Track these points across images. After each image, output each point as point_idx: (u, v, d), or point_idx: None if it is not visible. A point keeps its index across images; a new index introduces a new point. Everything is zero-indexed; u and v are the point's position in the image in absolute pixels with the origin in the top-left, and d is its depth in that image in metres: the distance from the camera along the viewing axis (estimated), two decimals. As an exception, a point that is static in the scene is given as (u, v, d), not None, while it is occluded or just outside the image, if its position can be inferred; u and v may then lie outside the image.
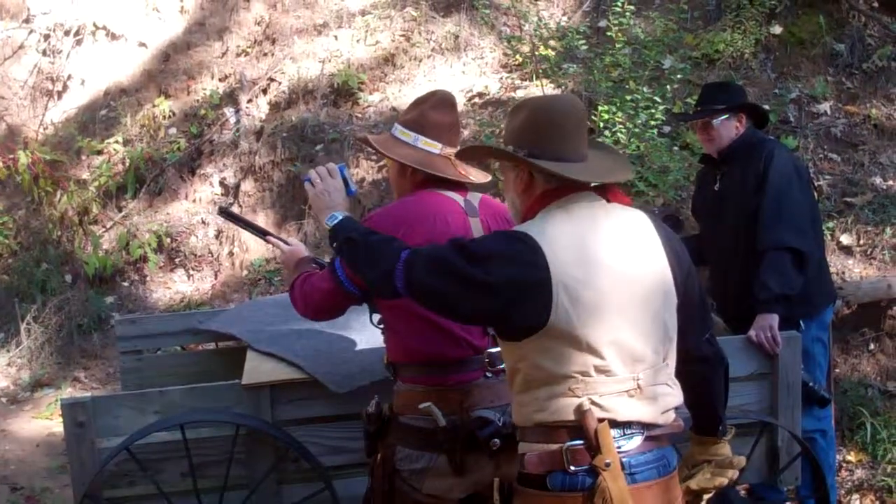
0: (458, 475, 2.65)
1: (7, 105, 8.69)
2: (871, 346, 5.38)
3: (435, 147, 2.79)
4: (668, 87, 6.39)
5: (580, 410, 2.19)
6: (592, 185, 2.35)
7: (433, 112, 2.82)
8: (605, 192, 2.36)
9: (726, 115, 4.01)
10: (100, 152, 8.08)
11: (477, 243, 2.30)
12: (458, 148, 2.77)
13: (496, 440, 2.60)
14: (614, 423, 2.20)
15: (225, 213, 3.35)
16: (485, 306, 2.23)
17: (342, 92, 7.67)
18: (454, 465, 2.64)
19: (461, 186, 2.83)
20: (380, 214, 2.81)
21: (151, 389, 3.36)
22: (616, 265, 2.23)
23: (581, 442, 2.19)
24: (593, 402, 2.19)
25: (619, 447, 2.20)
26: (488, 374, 2.70)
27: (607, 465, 2.16)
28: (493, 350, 2.68)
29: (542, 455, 2.23)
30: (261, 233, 3.33)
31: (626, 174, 2.57)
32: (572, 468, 2.19)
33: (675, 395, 2.32)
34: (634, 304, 2.23)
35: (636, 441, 2.24)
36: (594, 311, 2.17)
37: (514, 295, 2.18)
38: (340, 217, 2.64)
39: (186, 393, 3.28)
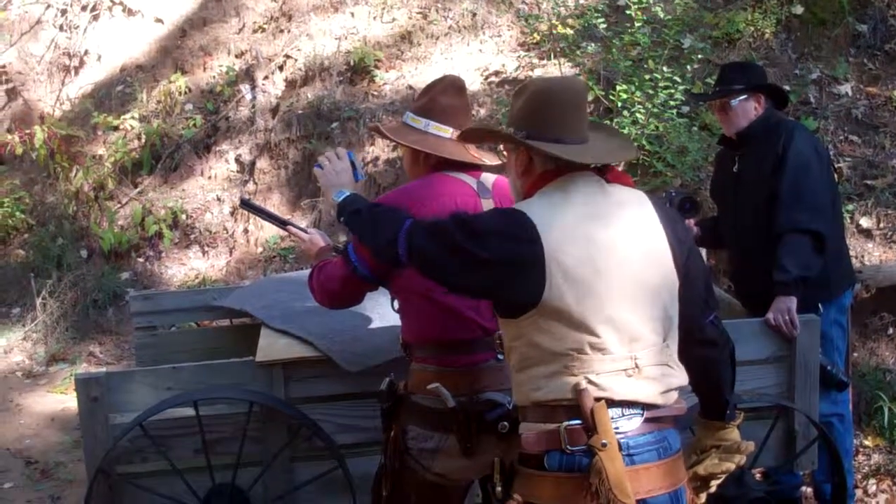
0: (468, 457, 2.65)
1: (24, 80, 8.70)
2: (890, 331, 5.34)
3: (446, 131, 2.79)
4: (687, 66, 6.32)
5: (577, 389, 2.18)
6: (592, 166, 2.35)
7: (442, 97, 2.82)
8: (606, 172, 2.36)
9: (745, 96, 3.95)
10: (116, 128, 8.08)
11: (476, 219, 2.32)
12: None
13: (505, 423, 2.59)
14: (612, 403, 2.18)
15: (246, 204, 3.45)
16: (479, 281, 2.26)
17: (358, 69, 7.64)
18: (464, 446, 2.64)
19: (475, 169, 2.82)
20: (390, 195, 2.83)
21: (165, 366, 3.37)
22: (613, 244, 2.22)
23: (578, 421, 2.18)
24: (590, 381, 2.17)
25: (617, 428, 2.18)
26: (500, 357, 2.69)
27: (604, 445, 2.14)
28: None
29: (540, 434, 2.22)
30: (281, 223, 3.37)
31: (627, 154, 2.60)
32: (570, 448, 2.18)
33: (677, 376, 2.30)
34: (631, 284, 2.22)
35: (635, 422, 2.22)
36: (589, 288, 2.17)
37: (508, 271, 2.20)
38: (347, 192, 2.71)
39: (200, 369, 3.29)
